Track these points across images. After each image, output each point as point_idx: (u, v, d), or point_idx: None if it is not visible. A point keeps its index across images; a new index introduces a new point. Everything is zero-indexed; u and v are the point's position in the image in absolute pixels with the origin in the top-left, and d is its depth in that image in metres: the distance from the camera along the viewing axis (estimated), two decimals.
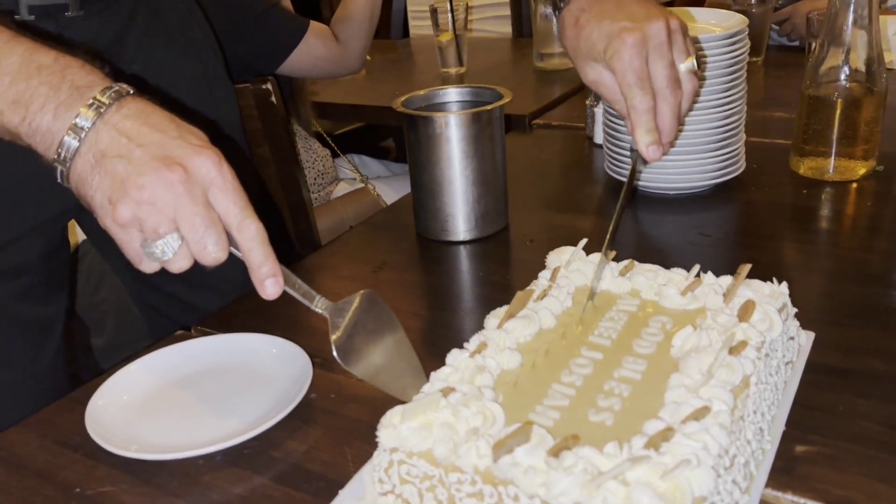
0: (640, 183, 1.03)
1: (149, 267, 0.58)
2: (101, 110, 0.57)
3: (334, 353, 0.62)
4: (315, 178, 1.69)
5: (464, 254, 0.94)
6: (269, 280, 0.59)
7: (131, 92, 0.59)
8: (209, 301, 0.91)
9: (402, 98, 0.95)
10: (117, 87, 0.58)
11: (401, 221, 1.03)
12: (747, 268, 0.63)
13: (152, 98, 0.60)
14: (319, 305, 0.64)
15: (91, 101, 0.57)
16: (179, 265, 0.58)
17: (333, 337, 0.63)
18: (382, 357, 0.65)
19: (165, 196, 0.55)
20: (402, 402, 0.52)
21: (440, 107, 0.98)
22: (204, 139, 0.59)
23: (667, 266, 0.69)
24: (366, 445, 0.60)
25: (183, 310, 1.09)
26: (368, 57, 1.68)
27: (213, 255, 0.57)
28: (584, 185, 1.15)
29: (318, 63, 1.45)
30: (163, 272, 0.59)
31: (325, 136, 1.74)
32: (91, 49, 0.63)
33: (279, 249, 0.60)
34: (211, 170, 0.57)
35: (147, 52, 0.95)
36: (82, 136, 0.56)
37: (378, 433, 0.50)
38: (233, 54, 1.33)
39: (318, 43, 1.44)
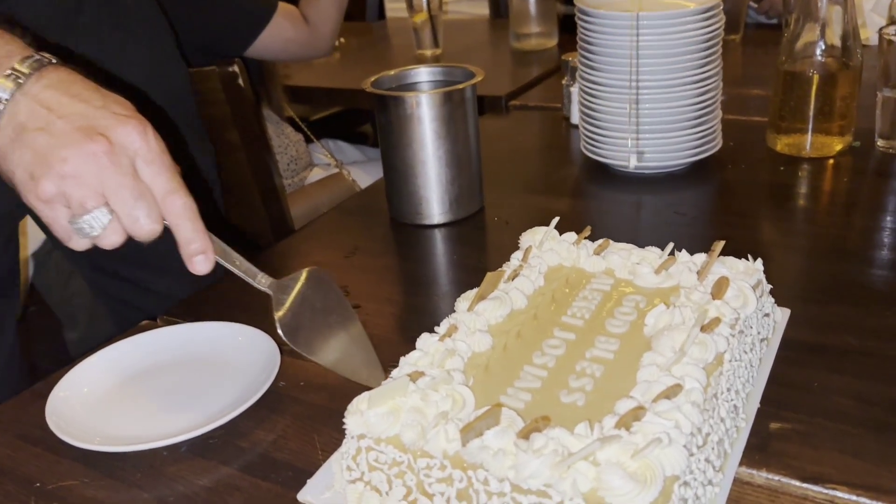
0: (614, 161, 1.02)
1: (79, 244, 0.56)
2: (20, 81, 0.54)
3: (279, 331, 0.60)
4: (288, 164, 1.66)
5: (438, 237, 0.93)
6: (199, 257, 0.56)
7: (53, 61, 0.56)
8: (174, 288, 0.89)
9: (373, 78, 0.93)
10: (38, 57, 0.55)
11: (374, 206, 1.01)
12: (721, 244, 0.62)
13: (76, 67, 0.57)
14: (262, 282, 0.62)
15: (9, 71, 0.54)
16: (111, 240, 0.55)
17: (278, 314, 0.61)
18: (331, 336, 0.63)
19: (90, 168, 0.52)
20: (357, 384, 0.50)
21: (412, 87, 0.96)
22: (130, 108, 0.56)
23: (642, 245, 0.68)
24: (335, 433, 0.59)
25: (146, 298, 1.06)
26: (342, 39, 1.65)
27: (145, 227, 0.54)
28: (560, 165, 1.13)
29: (287, 45, 1.42)
30: (119, 258, 0.57)
31: (297, 120, 1.71)
32: (14, 20, 0.60)
33: (221, 236, 0.58)
34: (136, 140, 0.54)
35: (98, 35, 0.93)
36: (0, 108, 0.53)
37: (345, 420, 0.49)
38: (200, 37, 1.30)
39: (286, 24, 1.40)
